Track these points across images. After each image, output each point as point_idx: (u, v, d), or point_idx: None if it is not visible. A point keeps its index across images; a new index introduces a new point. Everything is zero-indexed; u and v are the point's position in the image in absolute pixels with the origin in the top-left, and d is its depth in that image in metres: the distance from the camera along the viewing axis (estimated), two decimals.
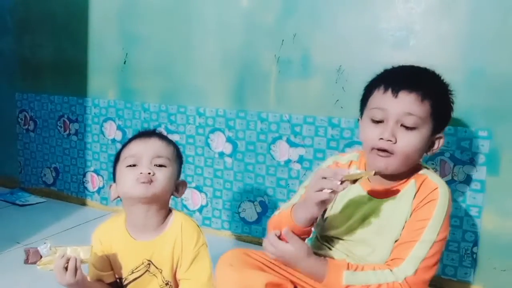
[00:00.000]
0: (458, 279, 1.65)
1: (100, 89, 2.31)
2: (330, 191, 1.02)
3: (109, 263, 1.21)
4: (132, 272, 1.19)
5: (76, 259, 1.06)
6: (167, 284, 1.19)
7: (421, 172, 1.16)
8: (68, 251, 1.07)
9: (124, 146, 1.23)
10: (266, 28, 1.88)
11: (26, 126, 2.58)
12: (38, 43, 2.45)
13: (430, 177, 1.15)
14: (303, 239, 1.13)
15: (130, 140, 1.23)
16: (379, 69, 1.22)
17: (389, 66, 1.22)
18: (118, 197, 1.19)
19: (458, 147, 1.61)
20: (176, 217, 1.21)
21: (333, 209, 1.22)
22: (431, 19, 1.61)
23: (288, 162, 1.91)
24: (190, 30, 2.04)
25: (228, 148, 2.03)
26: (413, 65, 1.19)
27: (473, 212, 1.61)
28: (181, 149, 2.13)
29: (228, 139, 2.02)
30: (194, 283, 1.15)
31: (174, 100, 2.12)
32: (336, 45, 1.77)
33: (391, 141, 1.07)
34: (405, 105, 1.07)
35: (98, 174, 2.39)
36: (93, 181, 2.41)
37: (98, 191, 2.40)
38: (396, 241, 1.12)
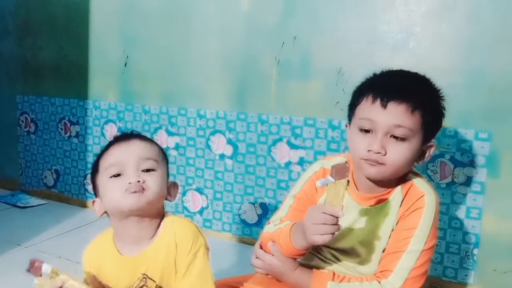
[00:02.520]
0: (459, 281, 1.65)
1: (101, 91, 2.32)
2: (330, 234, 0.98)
3: (103, 285, 1.07)
4: None
5: None
6: None
7: (408, 178, 1.13)
8: (66, 284, 0.96)
9: (101, 154, 1.06)
10: (267, 31, 1.89)
11: (27, 128, 2.58)
12: (39, 45, 2.46)
13: (417, 184, 1.12)
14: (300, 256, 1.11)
15: (108, 146, 1.06)
16: (379, 71, 1.17)
17: (378, 71, 1.15)
18: (105, 212, 1.05)
19: (458, 149, 1.61)
20: (167, 221, 1.05)
21: None
22: (431, 21, 1.61)
23: (288, 164, 1.91)
24: (190, 32, 2.05)
25: (228, 150, 2.03)
26: (402, 70, 1.14)
27: (474, 214, 1.61)
28: (182, 151, 2.16)
29: (229, 141, 2.02)
30: None
31: (174, 102, 2.13)
32: (336, 47, 1.77)
33: (380, 153, 1.04)
34: (394, 117, 1.03)
35: None
36: None
37: None
38: (384, 250, 1.10)
